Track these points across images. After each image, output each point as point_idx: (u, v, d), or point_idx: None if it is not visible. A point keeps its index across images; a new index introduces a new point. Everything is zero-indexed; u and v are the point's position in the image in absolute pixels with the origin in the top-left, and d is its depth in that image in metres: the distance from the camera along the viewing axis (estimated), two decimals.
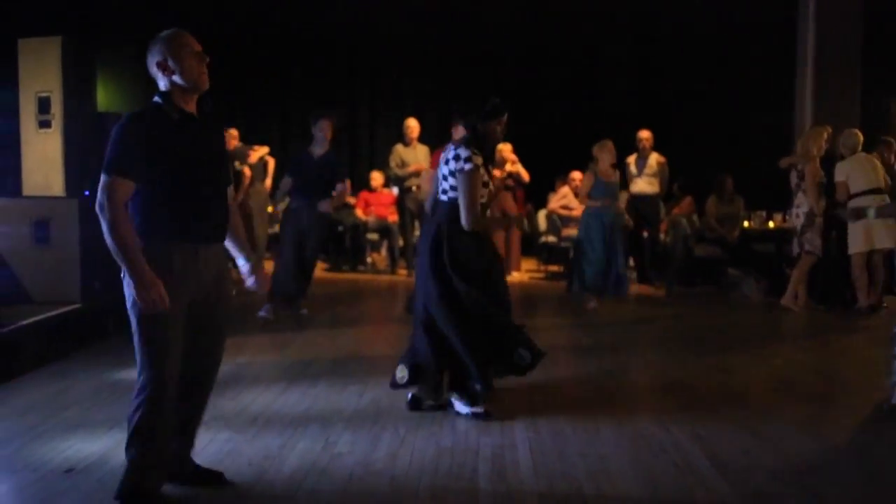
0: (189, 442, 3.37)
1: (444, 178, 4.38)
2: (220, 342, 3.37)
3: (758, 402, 4.72)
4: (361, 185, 11.48)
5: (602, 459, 3.71)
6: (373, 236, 11.04)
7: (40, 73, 6.12)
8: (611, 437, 4.03)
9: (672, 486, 3.41)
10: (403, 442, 3.93)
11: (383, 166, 10.69)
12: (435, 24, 12.31)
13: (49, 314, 5.68)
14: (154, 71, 3.12)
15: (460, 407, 4.37)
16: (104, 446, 3.80)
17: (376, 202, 10.89)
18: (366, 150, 13.24)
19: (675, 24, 11.65)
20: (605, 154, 7.61)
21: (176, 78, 3.08)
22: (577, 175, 10.14)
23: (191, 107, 3.15)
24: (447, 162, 4.37)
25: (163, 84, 3.12)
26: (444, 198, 4.40)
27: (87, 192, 6.27)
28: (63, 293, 6.00)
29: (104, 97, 7.81)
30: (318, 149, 7.09)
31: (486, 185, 4.39)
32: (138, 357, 3.07)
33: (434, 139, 10.57)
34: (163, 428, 3.11)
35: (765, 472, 3.59)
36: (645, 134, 9.43)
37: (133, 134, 3.00)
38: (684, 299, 8.67)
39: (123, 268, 2.97)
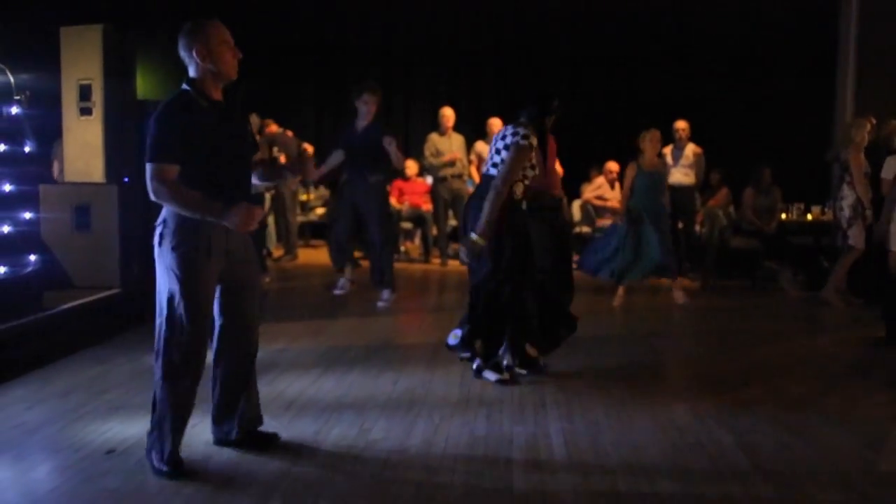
0: (235, 409, 3.60)
1: (497, 152, 4.64)
2: (254, 327, 3.59)
3: (795, 396, 4.66)
4: (396, 173, 11.51)
5: (636, 451, 3.70)
6: (406, 225, 11.07)
7: (82, 61, 6.20)
8: (645, 428, 4.02)
9: (707, 480, 3.39)
10: (438, 430, 3.95)
11: (417, 155, 10.69)
12: (471, 13, 12.29)
13: (89, 299, 5.78)
14: (188, 56, 3.24)
15: (489, 375, 4.69)
16: (143, 429, 3.83)
17: (410, 191, 10.90)
18: (400, 139, 13.24)
19: (714, 14, 11.50)
20: (648, 144, 7.52)
21: (210, 66, 3.23)
22: (613, 166, 10.08)
23: (217, 95, 3.32)
24: (504, 137, 4.63)
25: (194, 71, 3.26)
26: (493, 171, 4.64)
27: (126, 179, 6.36)
28: (103, 278, 6.10)
29: (143, 85, 7.90)
30: (362, 121, 7.15)
31: (533, 167, 4.66)
32: (164, 333, 3.33)
33: (469, 129, 10.57)
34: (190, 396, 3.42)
35: (803, 467, 3.55)
36: (681, 124, 9.32)
37: (171, 121, 3.16)
38: (720, 291, 8.58)
39: (208, 217, 3.17)
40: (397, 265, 7.14)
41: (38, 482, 3.28)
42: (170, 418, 3.33)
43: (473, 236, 4.58)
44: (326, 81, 13.00)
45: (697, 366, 5.44)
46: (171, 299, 3.29)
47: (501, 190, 4.53)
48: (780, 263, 9.02)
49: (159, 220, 3.30)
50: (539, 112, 4.78)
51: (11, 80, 5.90)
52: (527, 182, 4.68)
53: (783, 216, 9.34)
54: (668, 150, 9.42)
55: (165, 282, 3.31)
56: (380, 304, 7.13)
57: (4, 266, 5.29)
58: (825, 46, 10.37)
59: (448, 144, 9.84)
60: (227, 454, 3.57)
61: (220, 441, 3.64)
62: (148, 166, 3.14)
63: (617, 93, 12.20)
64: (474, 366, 4.84)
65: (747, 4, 11.28)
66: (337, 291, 7.53)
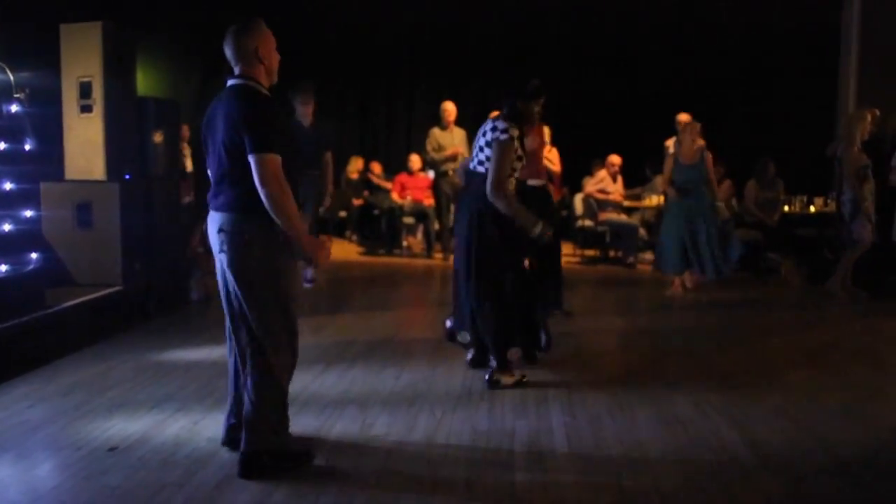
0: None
1: (481, 149, 4.58)
2: None
3: (799, 389, 4.65)
4: (399, 168, 11.50)
5: (639, 445, 3.69)
6: (409, 220, 11.05)
7: (82, 59, 6.18)
8: (648, 422, 4.01)
9: (711, 474, 3.38)
10: (440, 424, 3.94)
11: (420, 149, 10.68)
12: (474, 7, 12.26)
13: (91, 296, 5.78)
14: (250, 54, 3.25)
15: (507, 380, 4.61)
16: (146, 426, 3.87)
17: (413, 186, 10.89)
18: (403, 133, 13.24)
19: (717, 7, 11.46)
20: (687, 136, 7.43)
21: (268, 65, 3.31)
22: (615, 159, 10.05)
23: None
24: (485, 133, 4.57)
25: (251, 68, 3.27)
26: (481, 168, 4.58)
27: (127, 176, 6.35)
28: (105, 275, 6.09)
29: (143, 82, 7.88)
30: (304, 121, 7.44)
31: (519, 158, 4.57)
32: (264, 331, 3.24)
33: (471, 123, 10.53)
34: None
35: (807, 460, 3.55)
36: (683, 117, 9.26)
37: (271, 113, 3.19)
38: (723, 284, 8.55)
39: (292, 234, 3.16)
40: (400, 260, 7.12)
41: (40, 480, 3.29)
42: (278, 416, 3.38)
43: (536, 231, 4.58)
44: (328, 77, 12.97)
45: (700, 358, 5.42)
46: (269, 301, 3.25)
47: (502, 192, 4.46)
48: (784, 255, 9.00)
49: (229, 226, 3.20)
50: (518, 100, 4.59)
51: (11, 77, 5.89)
52: (516, 175, 4.62)
53: (786, 208, 9.32)
54: (670, 143, 9.40)
55: (261, 286, 3.23)
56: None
57: (6, 264, 5.29)
58: (828, 39, 10.34)
59: (450, 139, 9.82)
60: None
61: (231, 442, 3.55)
62: (256, 158, 3.07)
63: (619, 86, 12.15)
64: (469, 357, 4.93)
65: None
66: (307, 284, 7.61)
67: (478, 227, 4.55)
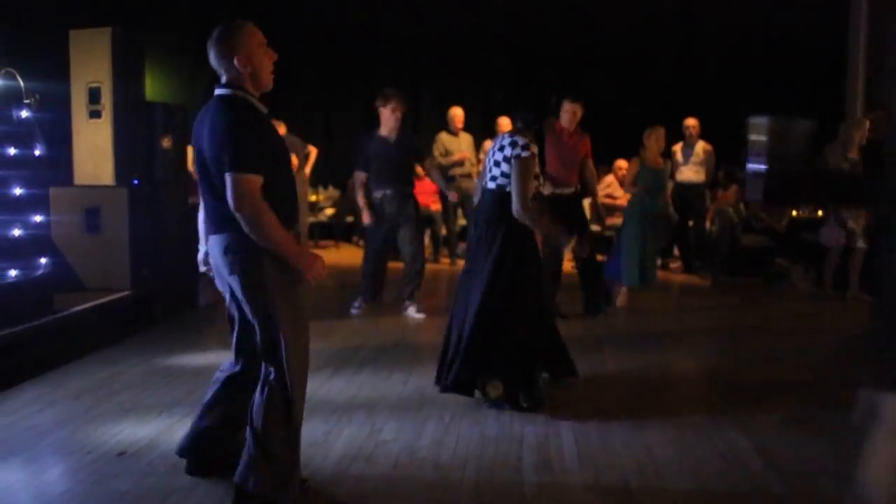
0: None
1: (497, 165, 4.38)
2: None
3: (808, 395, 4.63)
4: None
5: (648, 450, 3.68)
6: None
7: (91, 64, 6.22)
8: (656, 427, 4.00)
9: (719, 479, 3.38)
10: (448, 430, 3.94)
11: (427, 154, 10.67)
12: (480, 12, 12.27)
13: (100, 301, 5.79)
14: (226, 64, 2.98)
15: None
16: (154, 430, 3.88)
17: (419, 190, 10.84)
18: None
19: (724, 11, 11.45)
20: (653, 141, 7.49)
21: (251, 72, 2.99)
22: (622, 163, 10.04)
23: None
24: (502, 149, 4.37)
25: (234, 76, 2.99)
26: (492, 185, 4.40)
27: (136, 182, 6.38)
28: (113, 280, 6.12)
29: (152, 87, 7.91)
30: (388, 130, 6.70)
31: (536, 177, 4.40)
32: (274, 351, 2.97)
33: (478, 128, 10.55)
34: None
35: (816, 466, 3.54)
36: (691, 122, 9.30)
37: (247, 129, 2.89)
38: (730, 289, 8.54)
39: (281, 254, 2.90)
40: (401, 265, 7.10)
41: (49, 484, 3.29)
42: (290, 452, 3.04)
43: (567, 242, 4.55)
44: (335, 82, 13.00)
45: (708, 364, 5.41)
46: (279, 324, 2.96)
47: (528, 210, 4.26)
48: (792, 260, 8.97)
49: (237, 244, 2.93)
50: (536, 115, 4.49)
51: (21, 83, 5.92)
52: (533, 192, 4.40)
53: (794, 213, 9.29)
54: (678, 148, 9.39)
55: (270, 308, 2.96)
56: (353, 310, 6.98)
57: (16, 269, 5.31)
58: (835, 45, 10.32)
59: (457, 144, 9.83)
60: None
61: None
62: (230, 177, 2.81)
63: (626, 91, 12.15)
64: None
65: (757, 2, 11.22)
66: (354, 311, 7.01)
67: (499, 245, 4.33)
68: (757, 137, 2.93)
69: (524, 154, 4.27)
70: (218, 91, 3.01)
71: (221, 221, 2.94)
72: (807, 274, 8.62)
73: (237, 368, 3.25)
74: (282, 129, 9.93)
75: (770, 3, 11.20)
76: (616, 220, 9.97)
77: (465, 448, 3.70)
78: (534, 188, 4.36)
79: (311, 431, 3.86)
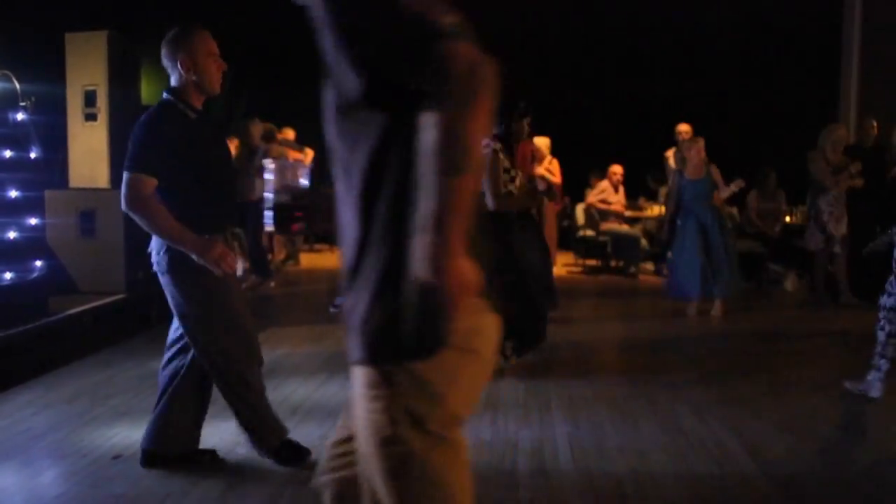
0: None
1: None
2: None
3: (801, 399, 4.66)
4: None
5: (641, 455, 3.70)
6: None
7: (87, 67, 6.23)
8: (651, 432, 4.02)
9: (713, 483, 3.39)
10: None
11: None
12: (474, 16, 12.29)
13: (94, 304, 5.80)
14: (171, 66, 3.17)
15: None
16: None
17: None
18: None
19: (717, 17, 11.50)
20: (694, 153, 7.25)
21: (194, 78, 3.15)
22: (617, 168, 10.08)
23: (199, 104, 3.23)
24: None
25: (177, 80, 3.17)
26: None
27: None
28: (108, 283, 6.12)
29: (148, 90, 7.91)
30: None
31: (506, 171, 4.85)
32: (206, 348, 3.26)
33: None
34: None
35: (809, 471, 3.55)
36: (684, 127, 9.32)
37: (156, 132, 3.07)
38: None
39: (180, 247, 3.06)
40: None
41: (44, 487, 3.29)
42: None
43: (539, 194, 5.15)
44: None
45: (702, 369, 5.43)
46: (201, 320, 3.24)
47: (500, 199, 4.79)
48: (785, 266, 9.01)
49: (156, 248, 3.21)
50: (503, 120, 4.97)
51: (17, 86, 5.92)
52: (507, 189, 4.86)
53: (787, 219, 9.34)
54: (670, 154, 9.43)
55: (192, 305, 3.22)
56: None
57: (10, 271, 5.30)
58: (829, 49, 10.37)
59: None
60: (235, 457, 3.57)
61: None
62: (125, 175, 3.04)
63: (620, 96, 12.19)
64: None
65: (751, 7, 11.27)
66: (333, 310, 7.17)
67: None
68: None
69: (484, 151, 4.65)
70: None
71: None
72: (799, 279, 8.66)
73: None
74: (290, 135, 9.97)
75: (763, 7, 11.25)
76: (611, 226, 10.02)
77: None
78: (506, 185, 4.84)
79: (306, 436, 3.86)
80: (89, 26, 6.33)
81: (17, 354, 4.82)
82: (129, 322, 6.10)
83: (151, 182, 3.04)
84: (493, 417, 4.21)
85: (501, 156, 4.84)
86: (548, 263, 5.77)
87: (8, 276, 5.27)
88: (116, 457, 3.58)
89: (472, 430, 4.01)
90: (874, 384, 4.51)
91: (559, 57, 12.33)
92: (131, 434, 3.86)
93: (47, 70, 6.42)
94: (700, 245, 7.10)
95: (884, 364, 4.49)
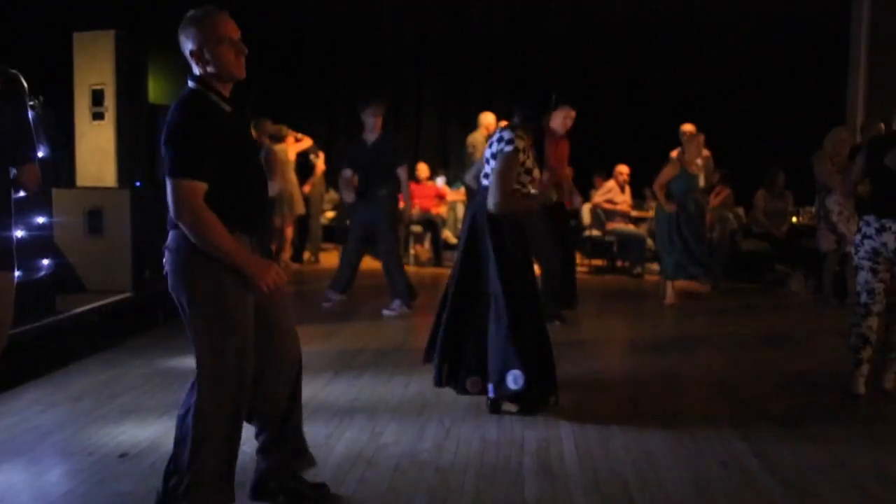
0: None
1: (487, 162, 4.36)
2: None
3: (808, 401, 4.64)
4: (407, 176, 11.55)
5: (648, 456, 3.69)
6: (417, 228, 11.06)
7: (94, 66, 6.24)
8: (657, 433, 4.01)
9: (719, 485, 3.38)
10: (449, 434, 3.95)
11: (427, 158, 10.69)
12: (481, 18, 12.33)
13: (102, 302, 5.81)
14: (186, 52, 2.82)
15: (510, 407, 4.32)
16: (156, 432, 3.89)
17: (420, 194, 10.90)
18: (411, 141, 13.27)
19: (725, 17, 11.48)
20: (694, 147, 7.65)
21: (210, 69, 2.79)
22: (623, 168, 10.07)
23: (227, 93, 2.89)
24: (491, 145, 4.35)
25: (198, 71, 2.82)
26: (485, 182, 4.34)
27: (138, 183, 6.40)
28: (115, 282, 6.13)
29: (155, 89, 7.94)
30: (371, 135, 7.11)
31: (528, 172, 4.29)
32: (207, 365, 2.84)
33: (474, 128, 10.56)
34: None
35: (817, 473, 3.53)
36: (688, 128, 9.28)
37: (195, 130, 2.72)
38: (730, 295, 8.55)
39: (233, 265, 2.75)
40: (408, 268, 7.17)
41: (51, 485, 3.30)
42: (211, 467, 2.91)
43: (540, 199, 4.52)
44: (337, 86, 13.01)
45: (709, 369, 5.42)
46: (209, 327, 2.85)
47: (503, 203, 4.16)
48: (792, 266, 8.99)
49: (172, 243, 2.88)
50: (536, 112, 4.45)
51: (25, 84, 5.93)
52: (525, 191, 4.30)
53: (794, 219, 9.31)
54: (675, 154, 9.41)
55: (203, 310, 2.85)
56: (386, 312, 7.09)
57: (18, 270, 5.30)
58: (837, 49, 10.35)
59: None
60: (240, 458, 3.56)
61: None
62: (169, 183, 2.69)
63: (626, 96, 12.18)
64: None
65: (758, 7, 11.25)
66: (387, 312, 7.05)
67: (476, 240, 4.30)
68: None
69: (507, 149, 4.20)
70: (186, 86, 2.85)
71: (170, 219, 2.84)
72: (806, 280, 8.63)
73: None
74: (307, 143, 10.01)
75: (770, 9, 11.23)
76: (617, 226, 10.00)
77: (465, 452, 3.71)
78: (520, 187, 4.26)
79: (313, 434, 3.86)
80: (97, 25, 6.34)
81: (24, 352, 4.83)
82: (135, 321, 6.12)
83: (201, 187, 2.69)
84: (498, 417, 4.21)
85: (524, 156, 4.23)
86: (569, 263, 5.65)
87: (15, 274, 5.27)
88: (123, 455, 3.59)
89: (478, 430, 4.01)
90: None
91: (566, 57, 12.33)
92: (138, 432, 3.87)
93: (55, 69, 6.44)
94: (678, 235, 7.66)
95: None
